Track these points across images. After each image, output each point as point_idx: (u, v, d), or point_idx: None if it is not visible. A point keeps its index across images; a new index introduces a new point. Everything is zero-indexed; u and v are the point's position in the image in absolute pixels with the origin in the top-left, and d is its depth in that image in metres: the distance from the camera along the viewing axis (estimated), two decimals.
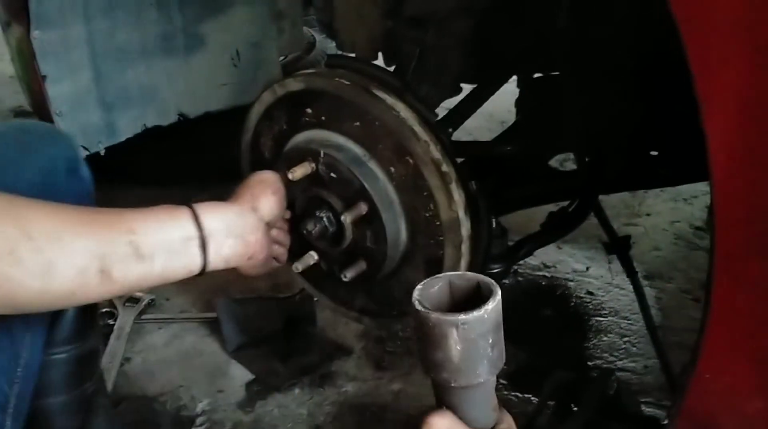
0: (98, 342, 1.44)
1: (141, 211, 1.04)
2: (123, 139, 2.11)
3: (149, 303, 2.33)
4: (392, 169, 1.38)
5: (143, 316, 2.29)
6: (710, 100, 0.84)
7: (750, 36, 0.80)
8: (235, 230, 1.13)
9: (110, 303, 2.30)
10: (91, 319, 1.39)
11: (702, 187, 2.39)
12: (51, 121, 1.87)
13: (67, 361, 1.32)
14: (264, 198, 1.23)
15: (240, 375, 2.07)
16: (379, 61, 1.79)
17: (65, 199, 1.01)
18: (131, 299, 2.31)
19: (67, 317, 1.29)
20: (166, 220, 1.05)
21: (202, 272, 1.10)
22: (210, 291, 2.38)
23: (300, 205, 1.47)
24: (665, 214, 2.91)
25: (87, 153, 2.05)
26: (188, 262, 1.07)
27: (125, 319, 2.24)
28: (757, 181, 0.87)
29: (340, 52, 2.05)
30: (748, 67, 0.82)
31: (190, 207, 1.09)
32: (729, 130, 0.85)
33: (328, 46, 3.57)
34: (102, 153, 2.06)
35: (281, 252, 1.39)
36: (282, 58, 2.80)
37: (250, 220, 1.17)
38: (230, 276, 2.40)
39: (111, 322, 2.23)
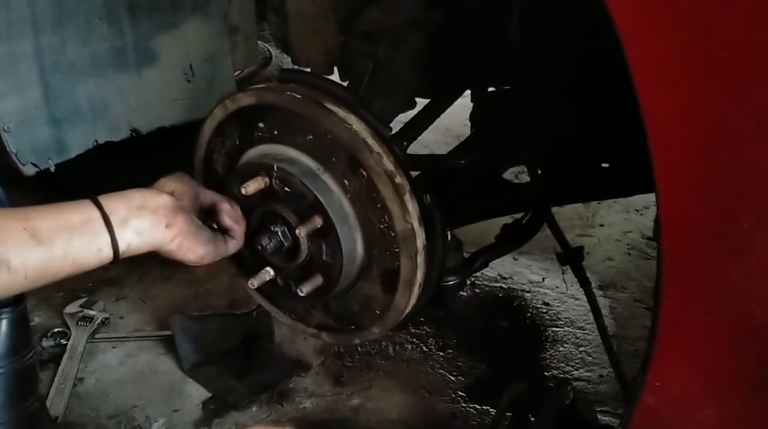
0: (34, 357, 1.41)
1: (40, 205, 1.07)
2: (74, 155, 2.07)
3: (103, 322, 2.29)
4: (346, 182, 1.38)
5: (97, 336, 2.24)
6: (653, 113, 0.86)
7: (690, 50, 0.82)
8: (137, 202, 1.15)
9: (63, 322, 2.26)
10: (24, 333, 1.36)
11: (653, 197, 2.44)
12: None
13: (5, 377, 1.29)
14: (160, 181, 1.25)
15: (196, 393, 2.04)
16: (335, 76, 1.79)
17: None
18: (84, 318, 2.27)
19: (0, 332, 1.27)
20: (64, 206, 1.08)
21: (117, 254, 1.11)
22: (165, 309, 2.35)
23: (254, 220, 1.46)
24: (618, 224, 2.95)
25: (37, 170, 2.01)
26: (93, 241, 1.07)
27: (78, 338, 2.20)
28: (701, 193, 0.89)
29: (295, 67, 2.05)
30: (689, 79, 0.84)
31: (91, 197, 1.12)
32: (672, 144, 0.87)
33: (284, 60, 3.56)
34: (52, 170, 2.03)
35: (235, 229, 1.37)
36: (237, 72, 2.78)
37: (149, 192, 1.19)
38: (186, 293, 2.43)
39: (63, 341, 2.18)
